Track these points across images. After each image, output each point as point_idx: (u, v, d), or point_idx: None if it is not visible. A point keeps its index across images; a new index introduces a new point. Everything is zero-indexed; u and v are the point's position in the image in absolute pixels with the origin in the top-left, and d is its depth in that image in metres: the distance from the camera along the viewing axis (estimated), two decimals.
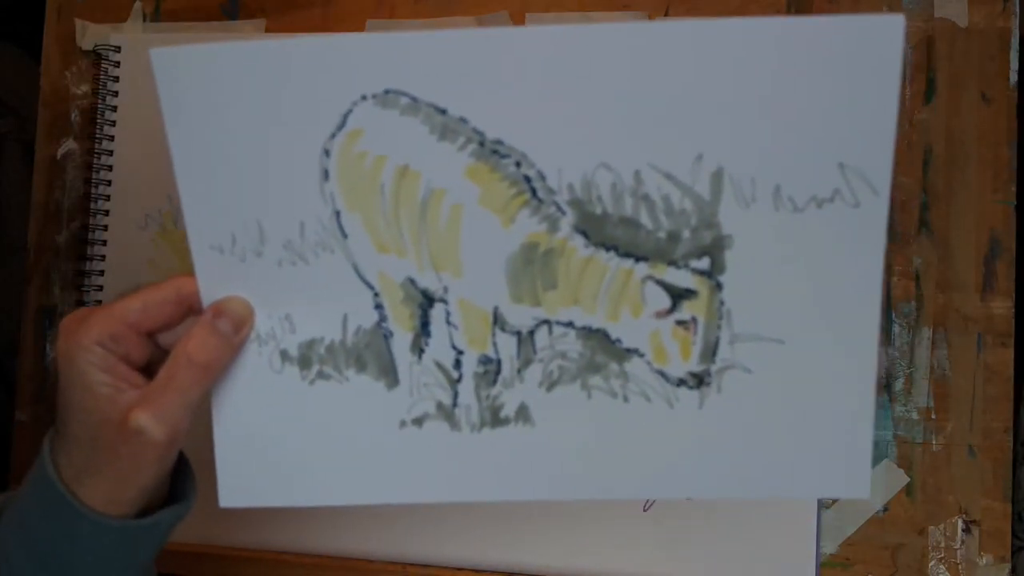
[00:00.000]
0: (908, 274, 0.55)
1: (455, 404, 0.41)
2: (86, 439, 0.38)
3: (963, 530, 0.53)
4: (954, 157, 0.55)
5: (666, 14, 0.58)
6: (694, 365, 0.40)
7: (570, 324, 0.40)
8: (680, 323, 0.39)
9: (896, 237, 0.55)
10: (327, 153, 0.39)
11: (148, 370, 0.39)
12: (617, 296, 0.39)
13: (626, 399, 0.40)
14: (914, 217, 0.55)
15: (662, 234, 0.38)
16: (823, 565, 0.54)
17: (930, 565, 0.53)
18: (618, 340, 0.40)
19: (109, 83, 0.64)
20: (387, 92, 0.38)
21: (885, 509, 0.54)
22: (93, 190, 0.63)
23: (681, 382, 0.40)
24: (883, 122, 0.36)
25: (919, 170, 0.55)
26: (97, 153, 0.63)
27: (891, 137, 0.36)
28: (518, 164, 0.38)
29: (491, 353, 0.41)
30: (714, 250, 0.38)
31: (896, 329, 0.55)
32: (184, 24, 0.64)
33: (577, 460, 0.41)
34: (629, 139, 0.37)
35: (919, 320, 0.55)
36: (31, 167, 0.67)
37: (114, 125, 0.64)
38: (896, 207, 0.55)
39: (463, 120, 0.38)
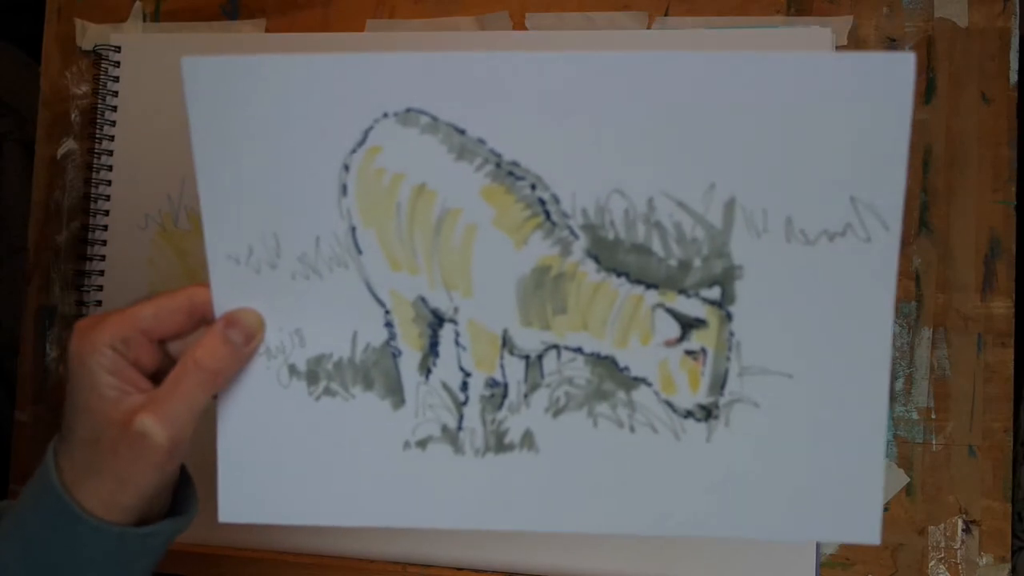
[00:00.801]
0: (908, 274, 0.55)
1: (460, 427, 0.41)
2: (89, 441, 0.38)
3: (963, 530, 0.53)
4: (954, 157, 0.55)
5: (666, 14, 0.58)
6: (702, 397, 0.39)
7: (579, 350, 0.40)
8: (689, 353, 0.39)
9: None
10: (346, 168, 0.39)
11: (156, 378, 0.40)
12: (627, 323, 0.39)
13: (632, 429, 0.40)
14: (914, 217, 0.55)
15: (673, 262, 0.38)
16: (823, 565, 0.54)
17: (930, 565, 0.53)
18: (626, 368, 0.40)
19: (109, 83, 0.64)
20: (408, 111, 0.38)
21: (885, 509, 0.54)
22: (93, 190, 0.63)
23: (689, 414, 0.40)
24: (894, 158, 0.36)
25: (919, 170, 0.55)
26: (97, 153, 0.63)
27: (902, 173, 0.36)
28: (533, 187, 0.38)
29: (498, 376, 0.40)
30: (725, 280, 0.38)
31: (896, 329, 0.55)
32: (184, 24, 0.64)
33: (581, 491, 0.40)
34: (643, 166, 0.38)
35: (919, 320, 0.55)
36: (31, 167, 0.67)
37: (114, 125, 0.64)
38: None
39: (481, 141, 0.38)
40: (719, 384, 0.39)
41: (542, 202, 0.39)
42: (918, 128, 0.55)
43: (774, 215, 0.38)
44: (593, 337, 0.40)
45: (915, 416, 0.54)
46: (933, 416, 0.54)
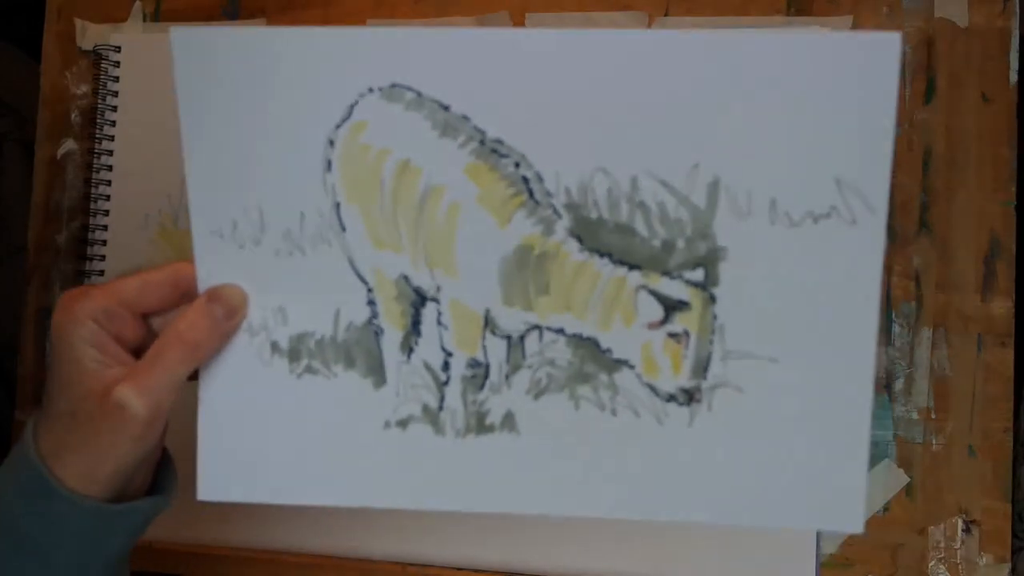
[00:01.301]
0: (908, 274, 0.55)
1: (441, 408, 0.40)
2: (68, 412, 0.38)
3: (963, 530, 0.53)
4: (954, 157, 0.55)
5: (666, 14, 0.58)
6: (685, 380, 0.39)
7: (561, 331, 0.39)
8: (672, 335, 0.39)
9: (896, 237, 0.55)
10: (331, 143, 0.39)
11: (138, 353, 0.39)
12: (609, 304, 0.39)
13: (614, 412, 0.39)
14: (914, 217, 0.55)
15: (657, 242, 0.38)
16: (823, 565, 0.54)
17: (930, 565, 0.53)
18: (608, 350, 0.39)
19: (109, 83, 0.64)
20: (393, 86, 0.38)
21: (885, 509, 0.54)
22: (93, 190, 0.63)
23: (671, 397, 0.39)
24: (880, 140, 0.36)
25: (919, 170, 0.55)
26: (97, 153, 0.63)
27: (888, 156, 0.36)
28: (517, 164, 0.38)
29: (480, 357, 0.40)
30: (708, 261, 0.38)
31: (896, 329, 0.55)
32: (184, 24, 0.64)
33: (563, 473, 0.40)
34: (627, 145, 0.37)
35: (919, 320, 0.55)
36: (31, 167, 0.67)
37: (114, 125, 0.64)
38: (896, 207, 0.55)
39: (465, 118, 0.38)
40: (702, 368, 0.39)
41: (526, 180, 0.38)
42: (918, 128, 0.55)
43: (758, 196, 0.37)
44: (575, 318, 0.39)
45: (915, 416, 0.54)
46: (933, 416, 0.54)
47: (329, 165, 0.39)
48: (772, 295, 0.38)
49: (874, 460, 0.54)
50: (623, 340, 0.39)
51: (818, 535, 0.53)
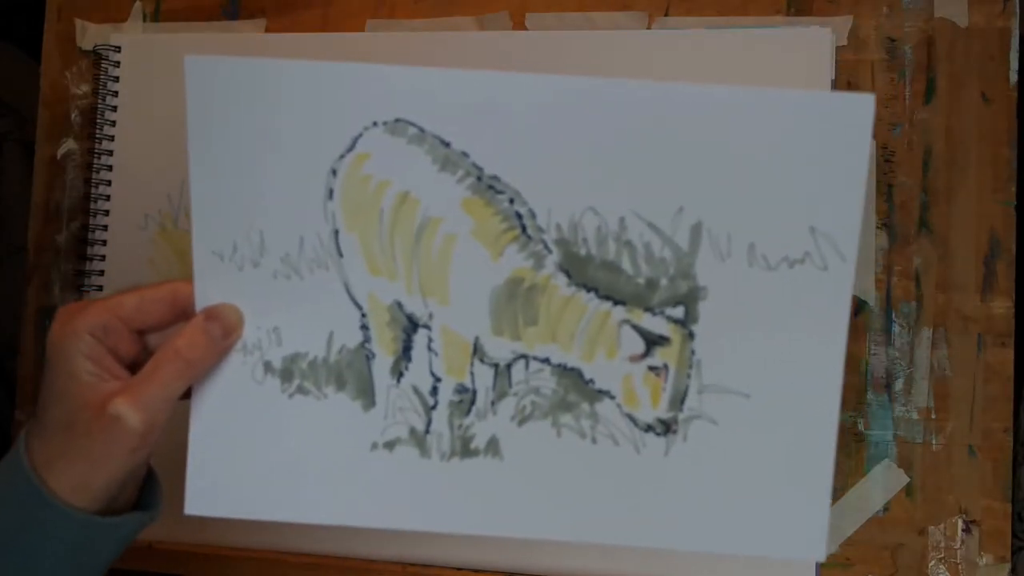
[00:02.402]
0: (908, 274, 0.55)
1: (427, 431, 0.42)
2: (63, 424, 0.38)
3: (963, 530, 0.53)
4: (954, 157, 0.55)
5: (666, 14, 0.58)
6: (663, 412, 0.41)
7: (546, 360, 0.41)
8: (652, 369, 0.41)
9: (896, 237, 0.55)
10: (334, 173, 0.40)
11: (133, 369, 0.40)
12: (594, 337, 0.41)
13: (594, 440, 0.41)
14: (914, 217, 0.55)
15: (641, 280, 0.40)
16: (823, 565, 0.54)
17: (930, 565, 0.53)
18: (591, 381, 0.41)
19: (109, 83, 0.64)
20: (397, 121, 0.40)
21: (885, 509, 0.54)
22: (93, 190, 0.63)
23: (649, 428, 0.41)
24: (851, 193, 0.39)
25: (919, 170, 0.55)
26: (97, 153, 0.63)
27: (858, 208, 0.39)
28: (511, 201, 0.40)
29: (468, 383, 0.42)
30: (689, 300, 0.40)
31: (896, 329, 0.55)
32: (184, 24, 0.64)
33: (542, 498, 0.41)
34: (616, 187, 0.40)
35: (919, 320, 0.55)
36: (31, 167, 0.67)
37: (114, 125, 0.64)
38: (896, 207, 0.55)
39: (464, 154, 0.40)
40: (679, 400, 0.41)
41: (519, 216, 0.40)
42: (918, 128, 0.55)
43: (738, 240, 0.39)
44: (561, 349, 0.41)
45: (915, 416, 0.54)
46: (933, 416, 0.54)
47: (331, 193, 0.41)
48: (747, 334, 0.40)
49: (874, 460, 0.54)
50: (605, 372, 0.41)
51: None
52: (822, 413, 0.40)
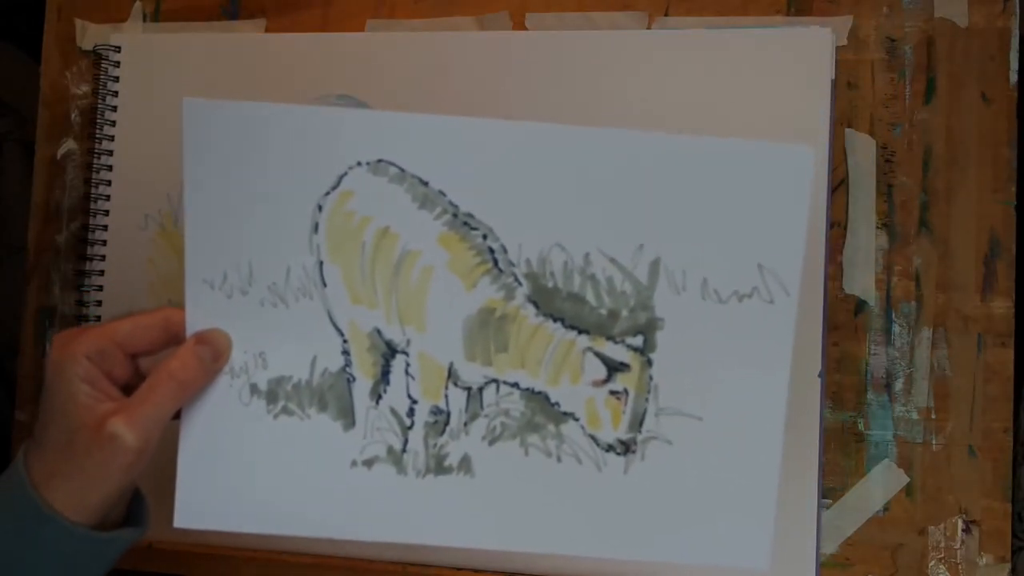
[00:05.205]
0: (908, 274, 0.55)
1: (404, 450, 0.45)
2: (62, 442, 0.40)
3: (963, 530, 0.53)
4: (954, 157, 0.55)
5: (666, 14, 0.58)
6: (623, 433, 0.44)
7: (516, 385, 0.44)
8: (613, 393, 0.44)
9: (896, 237, 0.55)
10: (320, 208, 0.43)
11: (126, 391, 0.42)
12: (560, 363, 0.44)
13: (559, 459, 0.44)
14: (914, 217, 0.55)
15: (604, 311, 0.43)
16: (823, 565, 0.54)
17: (930, 565, 0.53)
18: (557, 403, 0.44)
19: (109, 83, 0.64)
20: (379, 161, 0.43)
21: (885, 509, 0.54)
22: (93, 190, 0.63)
23: (610, 448, 0.44)
24: (793, 235, 0.42)
25: (919, 170, 0.55)
26: (97, 153, 0.63)
27: (800, 248, 0.42)
28: (485, 236, 0.43)
29: (442, 405, 0.44)
30: (647, 330, 0.43)
31: (896, 329, 0.55)
32: (184, 24, 0.64)
33: (512, 512, 0.44)
34: (582, 225, 0.43)
35: (919, 320, 0.55)
36: (31, 167, 0.67)
37: (114, 125, 0.64)
38: (896, 207, 0.55)
39: (442, 193, 0.43)
40: (638, 422, 0.44)
41: (491, 251, 0.43)
42: (918, 128, 0.55)
43: (692, 276, 0.43)
44: (529, 374, 0.44)
45: (915, 416, 0.54)
46: (933, 416, 0.54)
47: (316, 227, 0.44)
48: (700, 361, 0.43)
49: (874, 460, 0.54)
50: (570, 395, 0.44)
51: (818, 535, 0.53)
52: (768, 435, 0.43)
